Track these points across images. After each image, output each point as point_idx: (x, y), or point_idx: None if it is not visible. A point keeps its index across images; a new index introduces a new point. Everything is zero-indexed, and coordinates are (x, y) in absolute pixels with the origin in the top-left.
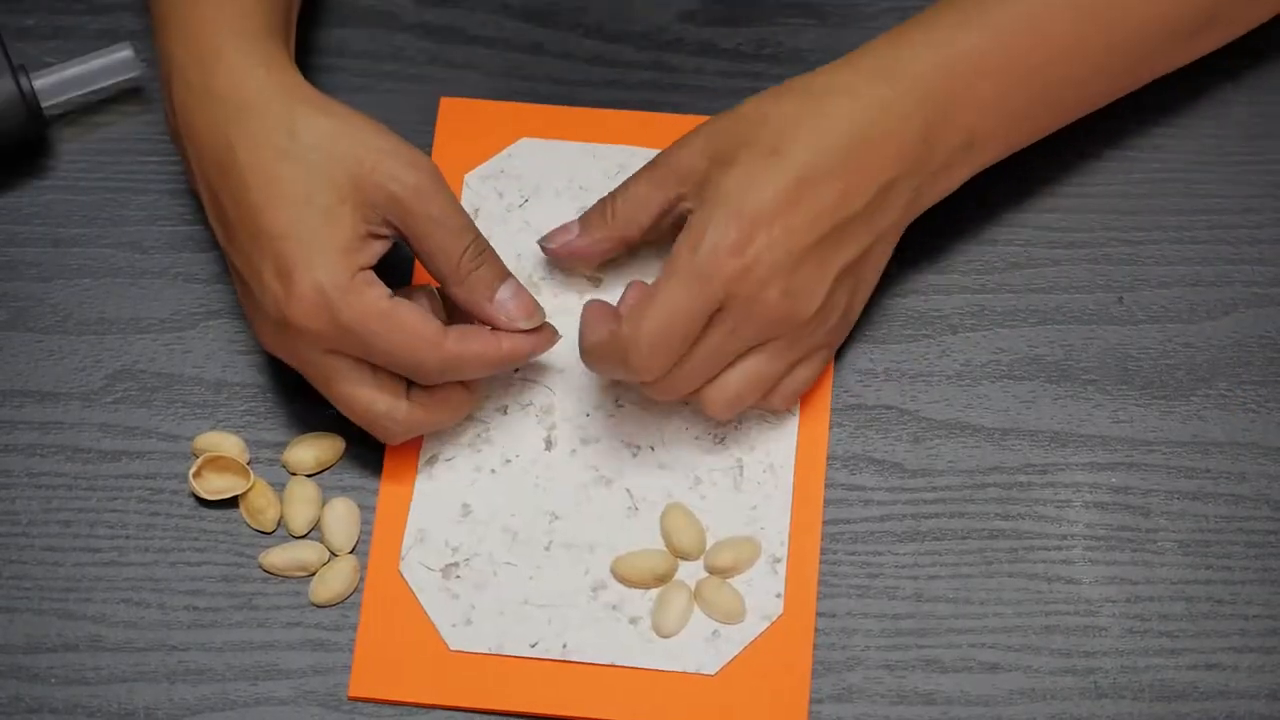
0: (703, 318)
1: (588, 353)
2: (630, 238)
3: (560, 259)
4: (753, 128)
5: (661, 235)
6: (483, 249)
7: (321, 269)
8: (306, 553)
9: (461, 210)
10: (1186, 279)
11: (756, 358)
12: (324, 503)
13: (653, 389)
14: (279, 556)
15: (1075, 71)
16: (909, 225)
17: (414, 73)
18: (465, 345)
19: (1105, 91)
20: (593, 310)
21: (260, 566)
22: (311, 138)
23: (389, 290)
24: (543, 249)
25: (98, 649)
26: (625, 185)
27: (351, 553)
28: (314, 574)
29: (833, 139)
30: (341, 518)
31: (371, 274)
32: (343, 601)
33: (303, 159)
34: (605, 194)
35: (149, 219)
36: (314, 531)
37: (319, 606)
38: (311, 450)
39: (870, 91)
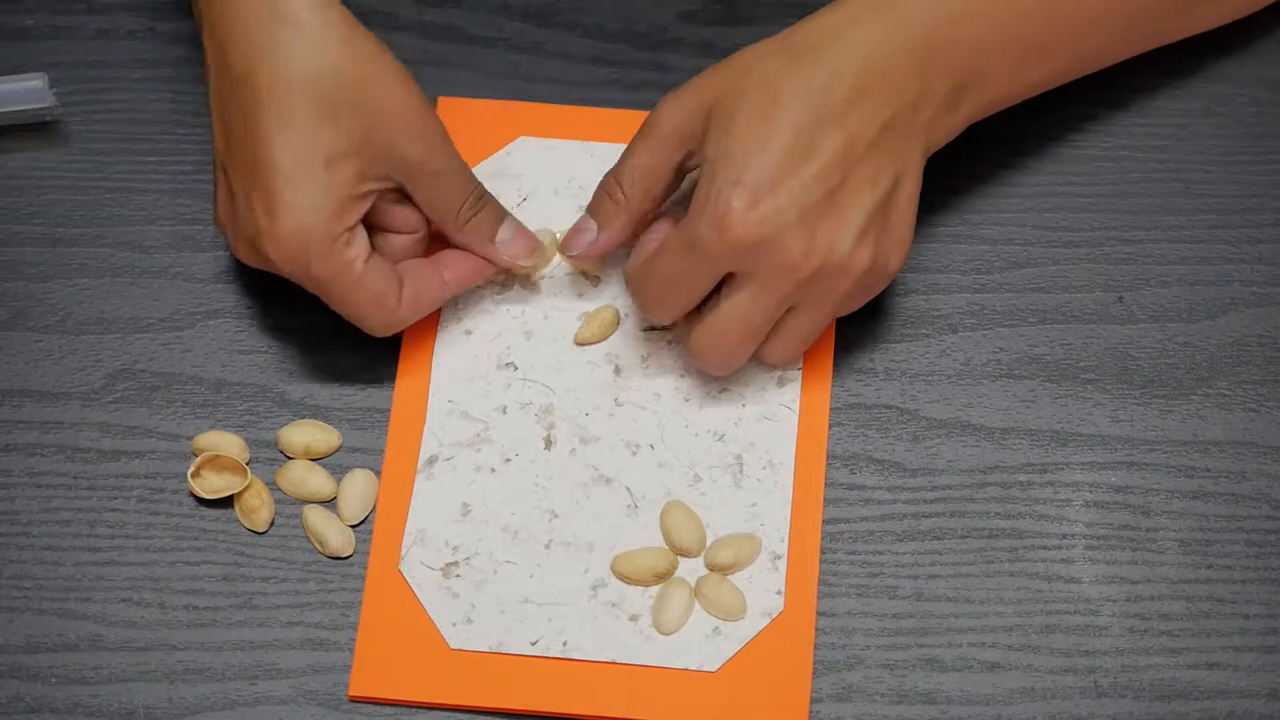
0: (708, 282)
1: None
2: (649, 211)
3: (590, 261)
4: (746, 81)
5: (683, 196)
6: (481, 194)
7: (307, 218)
8: (317, 479)
9: (462, 161)
10: (1186, 279)
11: (800, 316)
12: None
13: (707, 366)
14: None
15: (1072, 22)
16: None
17: (413, 72)
18: (415, 307)
19: (1104, 48)
20: (641, 242)
21: (276, 485)
22: (339, 77)
23: (368, 248)
24: (568, 258)
25: (98, 649)
26: (625, 162)
27: (360, 525)
28: (325, 502)
29: (826, 86)
30: (360, 488)
31: (355, 232)
32: (364, 521)
33: (324, 96)
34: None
35: (149, 219)
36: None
37: (336, 546)
38: (303, 436)
39: (858, 32)
